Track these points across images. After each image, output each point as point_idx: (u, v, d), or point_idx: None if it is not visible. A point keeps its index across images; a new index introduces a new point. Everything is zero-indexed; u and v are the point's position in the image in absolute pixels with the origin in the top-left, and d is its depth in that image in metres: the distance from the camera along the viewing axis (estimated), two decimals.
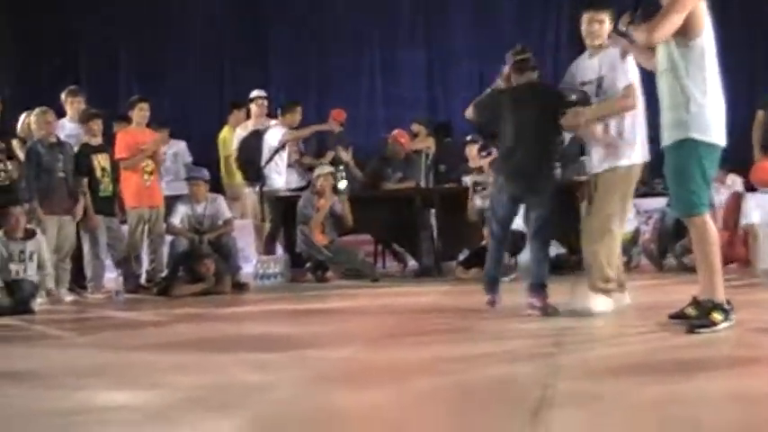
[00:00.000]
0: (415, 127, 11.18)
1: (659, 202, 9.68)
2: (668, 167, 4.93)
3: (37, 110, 8.67)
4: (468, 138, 10.42)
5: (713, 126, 4.84)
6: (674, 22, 4.72)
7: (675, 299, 5.49)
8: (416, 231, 9.58)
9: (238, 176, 11.52)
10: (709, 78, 4.83)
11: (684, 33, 4.77)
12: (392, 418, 3.35)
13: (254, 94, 10.66)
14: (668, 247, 8.87)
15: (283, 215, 9.97)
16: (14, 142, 8.75)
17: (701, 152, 4.81)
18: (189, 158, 10.90)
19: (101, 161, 8.98)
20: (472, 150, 10.05)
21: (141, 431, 3.29)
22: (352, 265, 9.44)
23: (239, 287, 8.91)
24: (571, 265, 9.07)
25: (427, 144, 10.99)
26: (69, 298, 8.52)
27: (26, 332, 6.62)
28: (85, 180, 8.85)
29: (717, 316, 4.76)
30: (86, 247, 8.91)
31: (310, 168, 10.36)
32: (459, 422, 3.22)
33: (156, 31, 13.74)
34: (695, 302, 5.00)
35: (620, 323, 5.54)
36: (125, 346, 5.59)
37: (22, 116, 8.95)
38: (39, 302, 7.81)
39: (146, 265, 9.43)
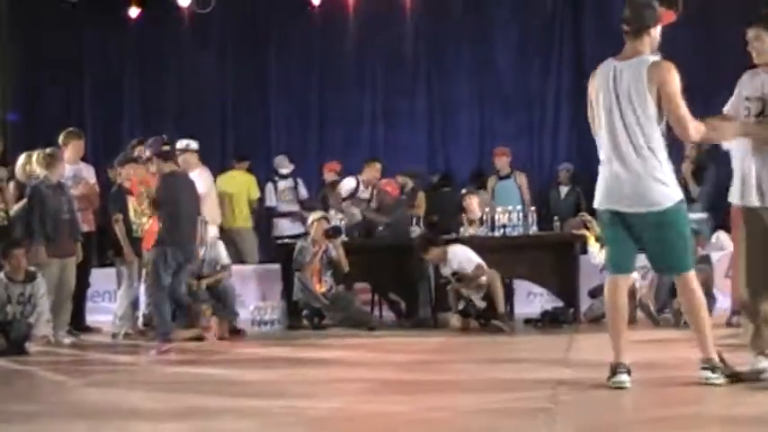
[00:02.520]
0: (401, 179, 11.12)
1: None
2: None
3: (47, 150, 8.69)
4: (464, 190, 10.47)
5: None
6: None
7: (672, 356, 5.49)
8: (413, 281, 9.56)
9: (240, 220, 11.62)
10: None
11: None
12: None
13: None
14: (666, 303, 8.85)
15: (282, 261, 9.97)
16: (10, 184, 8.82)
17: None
18: None
19: (133, 203, 9.07)
20: (472, 202, 10.08)
21: None
22: (348, 313, 9.42)
23: (236, 333, 8.90)
24: (568, 319, 9.07)
25: (419, 208, 10.92)
26: (68, 340, 8.48)
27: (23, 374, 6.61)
28: (121, 217, 8.94)
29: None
30: (124, 286, 8.99)
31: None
32: None
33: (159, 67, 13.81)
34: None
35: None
36: (120, 390, 5.59)
37: (22, 158, 8.94)
38: (31, 345, 7.77)
39: (143, 308, 9.41)
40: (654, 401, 4.57)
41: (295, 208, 11.69)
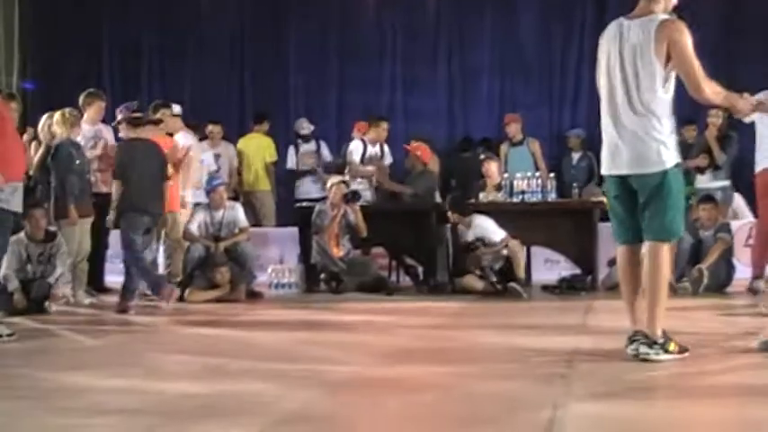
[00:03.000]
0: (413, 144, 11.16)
1: None
2: None
3: (68, 109, 8.71)
4: (482, 156, 10.45)
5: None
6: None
7: (689, 324, 5.47)
8: (431, 246, 9.56)
9: (262, 183, 11.65)
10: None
11: None
12: None
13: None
14: (684, 270, 8.81)
15: (300, 225, 9.99)
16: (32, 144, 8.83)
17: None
18: (214, 167, 10.89)
19: None
20: (491, 167, 10.05)
21: None
22: (366, 277, 9.44)
23: (253, 296, 8.95)
24: (586, 286, 9.06)
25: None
26: (87, 300, 8.55)
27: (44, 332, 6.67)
28: None
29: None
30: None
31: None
32: None
33: (180, 32, 13.76)
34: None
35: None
36: (138, 350, 5.63)
37: (44, 118, 8.95)
38: (50, 304, 7.82)
39: (161, 269, 9.45)
40: (670, 370, 4.56)
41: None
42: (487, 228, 9.03)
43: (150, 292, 8.35)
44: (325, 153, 11.76)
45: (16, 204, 6.21)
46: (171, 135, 9.58)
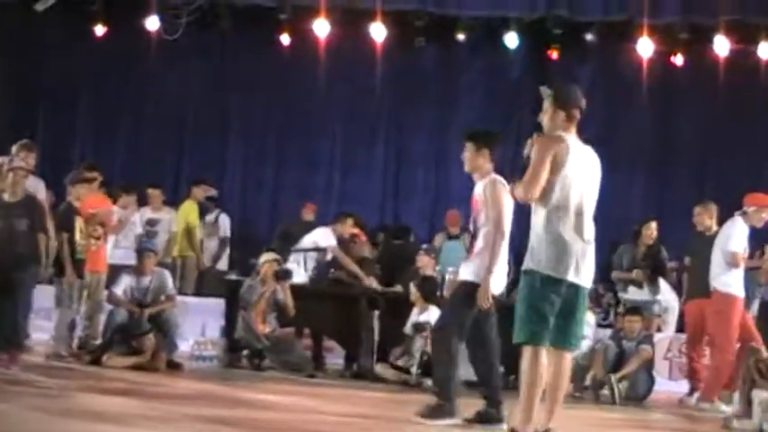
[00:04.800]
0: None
1: (599, 333, 9.83)
2: None
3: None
4: (425, 247, 10.52)
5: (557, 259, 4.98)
6: (540, 176, 4.93)
7: None
8: (357, 331, 9.51)
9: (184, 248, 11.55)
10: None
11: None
12: None
13: None
14: (605, 378, 8.90)
15: (227, 297, 9.88)
16: None
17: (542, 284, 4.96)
18: (140, 229, 10.75)
19: (80, 223, 8.91)
20: (424, 259, 10.13)
21: None
22: (289, 357, 9.33)
23: (173, 366, 8.75)
24: (509, 384, 9.06)
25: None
26: None
27: None
28: (67, 237, 8.77)
29: None
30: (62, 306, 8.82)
31: None
32: None
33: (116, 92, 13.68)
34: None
35: None
36: (54, 415, 5.44)
37: None
38: None
39: (79, 330, 9.21)
40: None
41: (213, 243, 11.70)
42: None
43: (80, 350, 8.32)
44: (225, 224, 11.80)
45: None
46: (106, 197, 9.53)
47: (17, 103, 13.34)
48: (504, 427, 5.86)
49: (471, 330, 6.22)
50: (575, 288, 5.01)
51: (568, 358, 5.18)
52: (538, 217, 5.02)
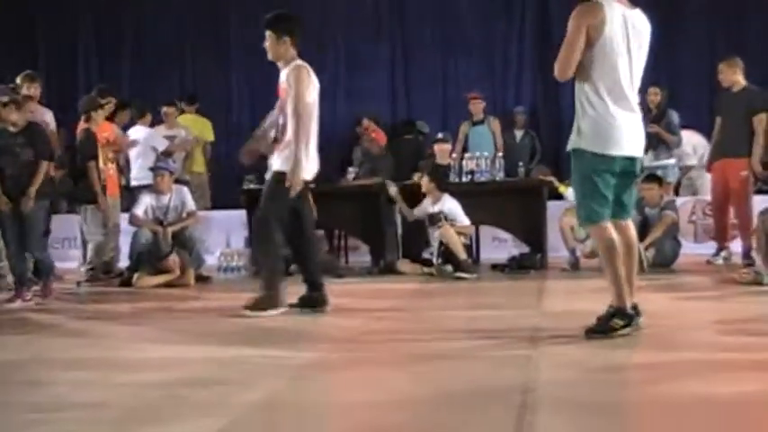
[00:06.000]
0: (366, 123, 11.21)
1: None
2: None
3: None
4: (440, 135, 10.46)
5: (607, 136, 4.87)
6: (575, 53, 4.79)
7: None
8: (381, 228, 9.55)
9: (196, 164, 11.54)
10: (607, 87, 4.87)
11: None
12: (376, 419, 3.33)
13: None
14: None
15: (248, 208, 9.89)
16: None
17: (592, 163, 4.88)
18: (160, 147, 10.69)
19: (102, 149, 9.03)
20: (440, 147, 10.08)
21: (121, 429, 3.23)
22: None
23: (202, 280, 8.85)
24: (536, 265, 9.12)
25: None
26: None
27: None
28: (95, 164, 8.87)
29: (617, 321, 4.85)
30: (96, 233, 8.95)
31: None
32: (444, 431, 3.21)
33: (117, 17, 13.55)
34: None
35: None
36: (96, 341, 5.52)
37: None
38: None
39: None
40: (636, 349, 4.62)
41: None
42: (455, 210, 9.06)
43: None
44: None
45: None
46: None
47: (17, 32, 13.26)
48: (328, 308, 6.28)
49: (288, 219, 6.31)
50: (630, 160, 4.94)
51: (631, 227, 5.10)
52: (580, 93, 4.89)
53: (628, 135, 4.89)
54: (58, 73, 13.25)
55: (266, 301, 6.20)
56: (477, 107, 11.60)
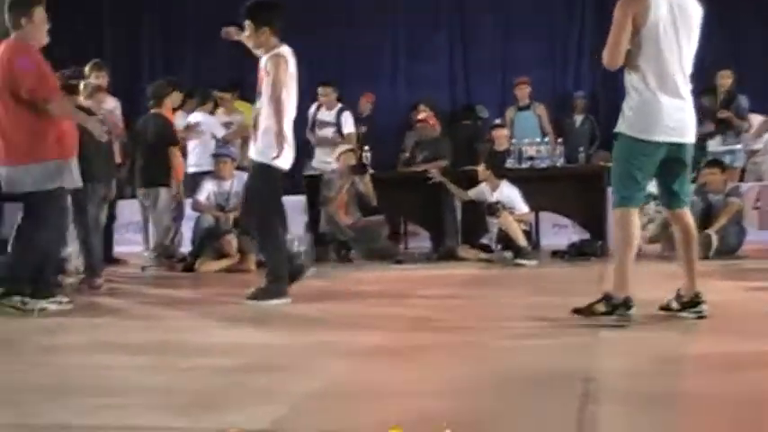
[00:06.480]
0: (422, 108, 11.21)
1: None
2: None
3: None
4: (497, 121, 10.44)
5: (650, 122, 4.83)
6: (621, 41, 4.78)
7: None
8: (441, 214, 9.56)
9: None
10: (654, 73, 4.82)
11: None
12: (434, 406, 3.34)
13: None
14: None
15: (309, 194, 9.98)
16: None
17: (630, 148, 4.86)
18: (219, 134, 10.81)
19: None
20: (498, 133, 10.06)
21: (187, 414, 3.29)
22: (375, 245, 9.44)
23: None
24: (596, 251, 9.06)
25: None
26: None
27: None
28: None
29: (599, 307, 4.90)
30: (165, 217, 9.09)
31: None
32: (503, 419, 3.21)
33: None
34: (678, 295, 5.06)
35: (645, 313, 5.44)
36: (163, 324, 5.61)
37: None
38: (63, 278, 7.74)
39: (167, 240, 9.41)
40: (699, 337, 4.57)
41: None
42: (513, 198, 9.03)
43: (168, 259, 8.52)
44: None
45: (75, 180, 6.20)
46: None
47: (84, 23, 13.48)
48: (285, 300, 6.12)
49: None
50: (678, 147, 4.91)
51: (687, 215, 5.07)
52: (628, 79, 4.91)
53: (673, 121, 4.84)
54: (122, 60, 13.45)
55: (273, 291, 6.19)
56: (524, 92, 11.55)
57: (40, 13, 6.10)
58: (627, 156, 4.89)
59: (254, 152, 6.27)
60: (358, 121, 11.40)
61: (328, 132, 10.38)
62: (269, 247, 6.45)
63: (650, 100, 4.83)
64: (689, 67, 4.93)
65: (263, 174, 6.20)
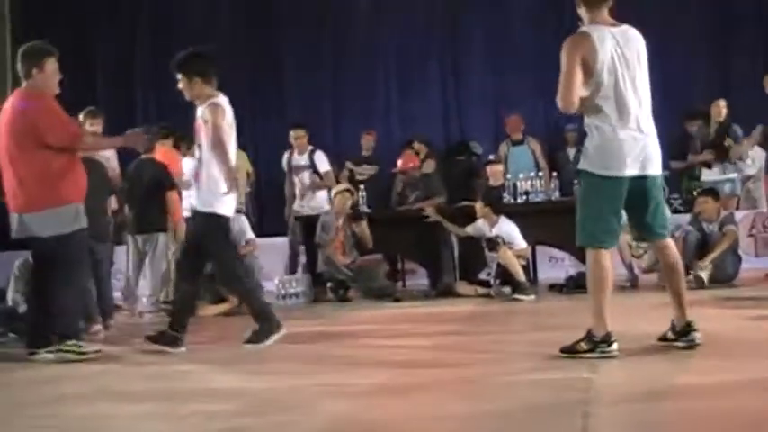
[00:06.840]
0: (417, 146, 11.27)
1: (679, 219, 9.71)
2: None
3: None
4: (491, 157, 10.49)
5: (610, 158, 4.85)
6: (573, 84, 4.79)
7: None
8: (437, 250, 9.58)
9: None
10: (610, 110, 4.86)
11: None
12: None
13: None
14: (690, 264, 8.83)
15: (305, 235, 10.01)
16: None
17: (595, 185, 4.89)
18: None
19: None
20: (493, 169, 10.12)
21: None
22: (373, 284, 9.46)
23: None
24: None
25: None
26: None
27: None
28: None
29: (582, 345, 4.92)
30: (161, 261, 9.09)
31: None
32: None
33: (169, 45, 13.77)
34: (672, 326, 5.10)
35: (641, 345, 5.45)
36: (163, 370, 5.61)
37: None
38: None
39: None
40: (704, 370, 4.59)
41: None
42: (512, 233, 9.06)
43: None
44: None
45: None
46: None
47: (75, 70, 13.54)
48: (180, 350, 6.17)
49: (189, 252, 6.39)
50: (642, 180, 4.93)
51: (669, 245, 5.10)
52: (588, 120, 4.94)
53: (634, 155, 4.86)
54: (116, 106, 13.50)
55: (266, 330, 6.20)
56: (515, 127, 11.63)
57: (51, 65, 6.19)
58: (593, 194, 4.92)
59: (199, 203, 6.32)
60: (364, 161, 11.53)
61: (305, 177, 10.48)
62: (240, 291, 6.56)
63: (610, 137, 4.85)
64: (647, 99, 4.96)
65: (210, 223, 6.22)
